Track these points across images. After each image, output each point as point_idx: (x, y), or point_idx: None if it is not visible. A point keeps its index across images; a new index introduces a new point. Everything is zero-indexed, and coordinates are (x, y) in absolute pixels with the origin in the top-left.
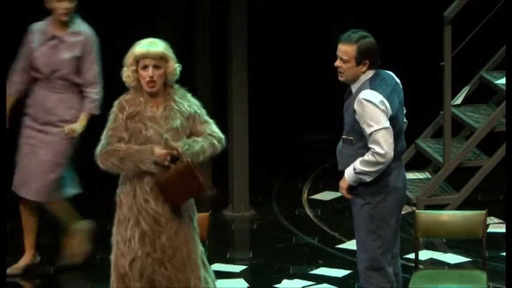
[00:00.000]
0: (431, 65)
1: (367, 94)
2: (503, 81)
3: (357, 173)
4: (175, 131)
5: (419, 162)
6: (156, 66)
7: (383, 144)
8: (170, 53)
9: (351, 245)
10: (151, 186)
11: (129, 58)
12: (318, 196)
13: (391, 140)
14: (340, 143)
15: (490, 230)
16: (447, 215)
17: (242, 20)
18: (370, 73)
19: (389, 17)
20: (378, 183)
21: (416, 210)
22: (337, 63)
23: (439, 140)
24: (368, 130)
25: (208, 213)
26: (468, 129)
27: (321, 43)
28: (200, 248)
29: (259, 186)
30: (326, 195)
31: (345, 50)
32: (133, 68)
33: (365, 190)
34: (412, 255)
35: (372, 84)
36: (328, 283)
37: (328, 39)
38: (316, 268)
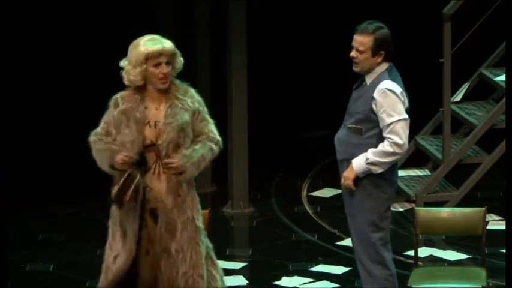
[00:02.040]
0: (430, 62)
1: (390, 84)
2: (502, 78)
3: (368, 163)
4: (181, 128)
5: (419, 159)
6: (168, 63)
7: (402, 135)
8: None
9: (350, 242)
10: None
11: (138, 57)
12: (317, 193)
13: (408, 131)
14: (342, 132)
15: (489, 227)
16: (447, 212)
17: (241, 20)
18: (385, 65)
19: (388, 13)
20: (383, 175)
21: (416, 207)
22: (353, 53)
23: (438, 137)
24: (388, 120)
25: (207, 210)
26: (468, 126)
27: (320, 41)
28: (206, 246)
29: (258, 184)
30: (325, 192)
31: (361, 40)
32: (144, 66)
33: (370, 182)
34: (411, 252)
35: (391, 75)
36: (328, 280)
37: (326, 38)
38: (316, 265)
